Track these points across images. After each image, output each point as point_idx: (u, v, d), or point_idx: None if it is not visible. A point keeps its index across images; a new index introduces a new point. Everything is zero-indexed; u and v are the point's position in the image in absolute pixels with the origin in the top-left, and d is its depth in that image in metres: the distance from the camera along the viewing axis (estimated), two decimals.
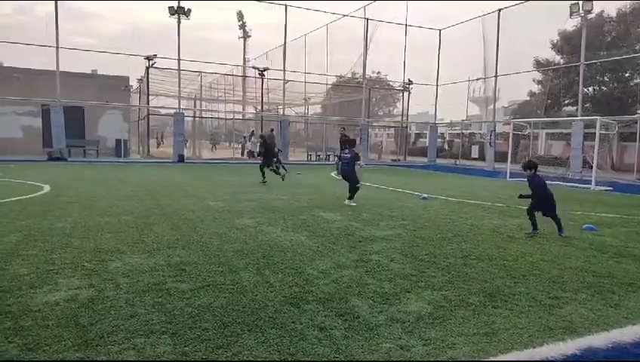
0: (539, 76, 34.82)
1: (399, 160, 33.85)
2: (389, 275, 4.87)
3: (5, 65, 25.98)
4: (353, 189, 10.43)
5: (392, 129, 44.34)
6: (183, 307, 3.80)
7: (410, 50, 32.35)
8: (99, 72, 28.27)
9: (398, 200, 11.49)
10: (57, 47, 22.67)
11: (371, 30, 30.69)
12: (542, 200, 7.16)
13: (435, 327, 3.54)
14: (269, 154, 14.84)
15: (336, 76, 40.67)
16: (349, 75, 41.41)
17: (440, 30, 32.34)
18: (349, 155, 10.77)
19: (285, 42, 28.16)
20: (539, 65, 33.18)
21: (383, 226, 7.69)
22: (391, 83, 42.64)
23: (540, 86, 35.35)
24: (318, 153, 31.71)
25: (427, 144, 35.55)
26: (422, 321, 3.65)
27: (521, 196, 7.41)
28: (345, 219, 8.24)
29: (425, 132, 47.37)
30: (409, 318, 3.70)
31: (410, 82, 33.80)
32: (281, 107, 35.53)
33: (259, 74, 30.67)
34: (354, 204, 10.06)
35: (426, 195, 11.92)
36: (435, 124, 34.75)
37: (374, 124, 43.40)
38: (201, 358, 2.94)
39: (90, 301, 3.87)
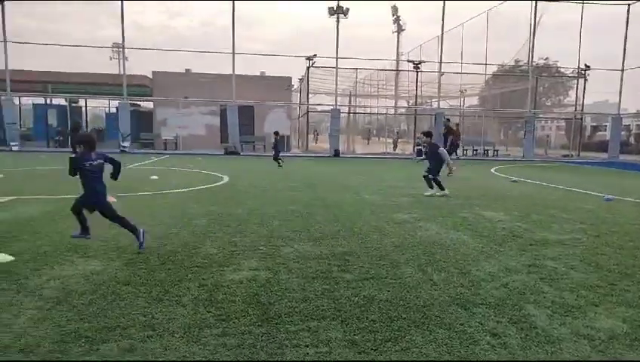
0: None
1: (571, 155, 30.17)
2: (569, 284, 4.36)
3: (193, 71, 30.17)
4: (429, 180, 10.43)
5: (563, 121, 39.68)
6: (350, 296, 3.93)
7: (588, 30, 28.48)
8: (266, 74, 30.99)
9: (574, 200, 10.22)
10: (234, 53, 25.53)
11: (539, 12, 27.79)
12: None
13: (635, 350, 3.04)
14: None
15: (497, 65, 37.95)
16: (512, 64, 38.22)
17: (629, 4, 27.70)
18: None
19: (442, 33, 27.19)
20: None
21: (558, 229, 6.91)
22: (562, 69, 38.18)
23: None
24: (476, 147, 29.98)
25: (607, 138, 30.97)
26: (616, 341, 3.17)
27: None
28: (511, 219, 7.63)
29: (604, 124, 41.41)
30: (599, 335, 3.25)
31: (587, 67, 29.77)
32: (434, 100, 34.54)
33: (413, 67, 30.21)
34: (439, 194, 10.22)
35: (610, 196, 10.37)
36: (620, 115, 30.00)
37: (541, 115, 39.36)
38: (370, 348, 3.01)
39: (267, 282, 4.26)
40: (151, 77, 29.37)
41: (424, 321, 3.45)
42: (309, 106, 31.35)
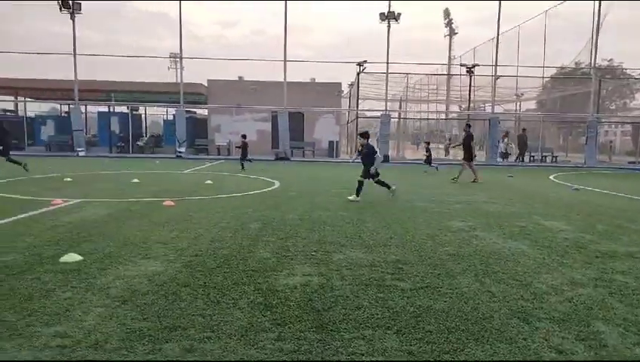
0: None
1: (638, 162, 28.27)
2: None
3: (246, 79, 30.95)
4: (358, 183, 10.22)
5: (629, 125, 37.31)
6: (405, 305, 3.86)
7: None
8: (317, 80, 31.26)
9: None
10: (285, 61, 25.97)
11: (603, 11, 26.32)
12: None
13: None
14: (5, 145, 14.53)
15: (556, 68, 36.29)
16: (572, 66, 36.43)
17: None
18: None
19: (498, 35, 26.34)
20: None
21: (627, 241, 6.48)
22: (628, 71, 35.97)
23: None
24: (533, 154, 28.74)
25: None
26: None
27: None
28: (573, 230, 7.24)
29: None
30: None
31: None
32: (487, 104, 33.52)
33: (467, 71, 29.47)
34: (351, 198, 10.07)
35: None
36: None
37: (604, 120, 37.18)
38: (427, 360, 2.94)
39: (320, 288, 4.27)
40: (206, 85, 30.39)
41: (484, 334, 3.32)
42: (358, 112, 31.30)
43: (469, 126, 15.68)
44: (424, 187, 13.33)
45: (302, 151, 29.16)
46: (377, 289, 4.26)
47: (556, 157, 28.94)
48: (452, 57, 54.84)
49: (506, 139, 27.58)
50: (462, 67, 31.63)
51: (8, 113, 34.59)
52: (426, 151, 19.63)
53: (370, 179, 10.30)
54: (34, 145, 30.04)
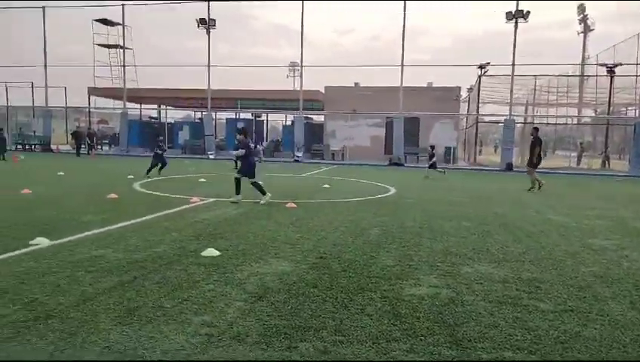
0: None
1: None
2: None
3: (361, 85, 31.25)
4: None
5: None
6: (547, 329, 3.53)
7: None
8: (433, 85, 30.43)
9: None
10: (402, 66, 25.71)
11: None
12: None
13: None
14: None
15: None
16: None
17: None
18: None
19: None
20: None
21: None
22: None
23: None
24: None
25: None
26: None
27: None
28: None
29: None
30: None
31: None
32: (629, 108, 29.68)
33: (607, 71, 26.41)
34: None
35: None
36: None
37: None
38: None
39: (451, 301, 4.09)
40: (323, 91, 31.32)
41: None
42: (478, 117, 29.77)
43: (536, 130, 14.50)
44: (558, 198, 12.17)
45: (416, 157, 28.58)
46: (513, 308, 3.95)
47: None
48: (586, 57, 49.52)
49: None
50: (599, 67, 28.45)
51: (153, 119, 39.26)
52: (430, 154, 18.37)
53: (250, 179, 9.90)
54: (172, 148, 33.63)
